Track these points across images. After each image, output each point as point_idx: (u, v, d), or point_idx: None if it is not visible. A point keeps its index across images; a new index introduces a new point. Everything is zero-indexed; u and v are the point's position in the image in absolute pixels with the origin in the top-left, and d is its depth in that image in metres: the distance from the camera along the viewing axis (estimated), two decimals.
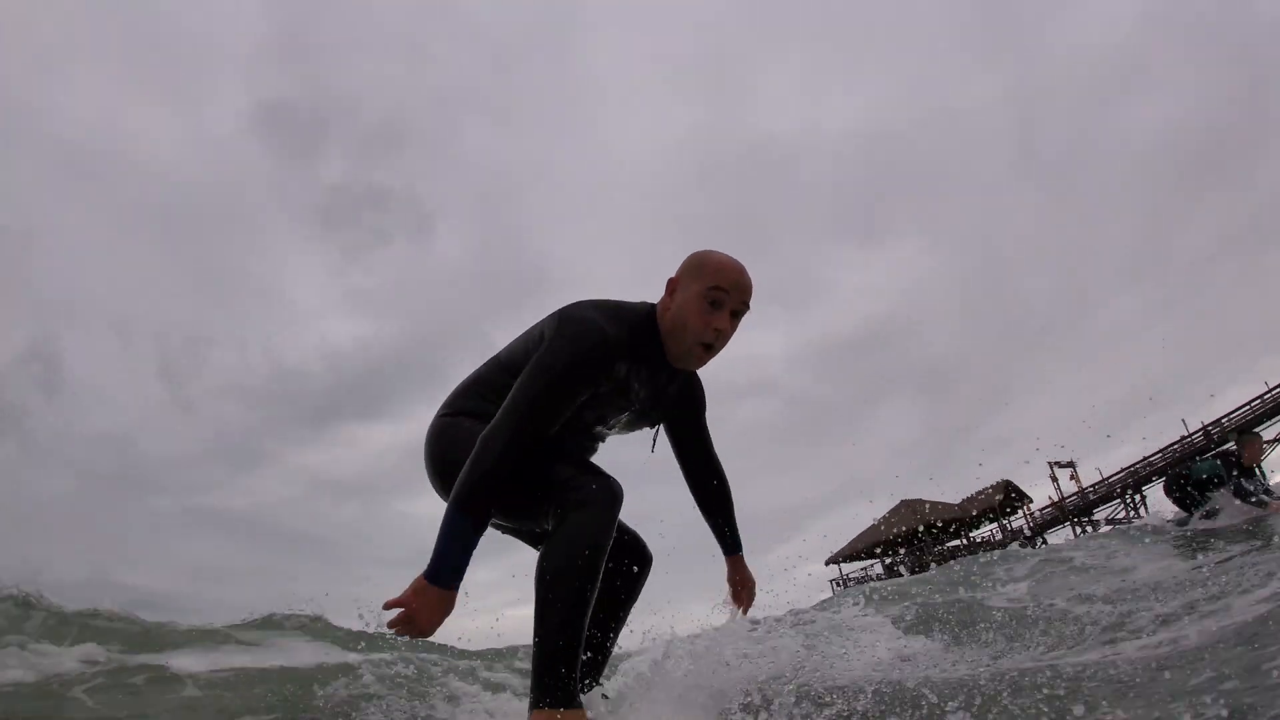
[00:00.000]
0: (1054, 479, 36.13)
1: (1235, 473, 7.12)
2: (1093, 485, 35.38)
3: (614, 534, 1.80)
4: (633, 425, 2.24)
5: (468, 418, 2.03)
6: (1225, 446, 7.48)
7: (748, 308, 2.02)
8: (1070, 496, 35.67)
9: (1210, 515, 6.98)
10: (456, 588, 1.77)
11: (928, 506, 38.06)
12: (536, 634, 1.69)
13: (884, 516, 39.06)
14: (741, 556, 2.48)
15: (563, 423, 1.91)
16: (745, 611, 2.47)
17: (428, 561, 1.75)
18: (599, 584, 1.75)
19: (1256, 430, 11.23)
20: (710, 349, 2.00)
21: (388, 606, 1.74)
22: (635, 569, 2.20)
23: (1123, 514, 33.26)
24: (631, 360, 1.98)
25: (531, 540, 2.22)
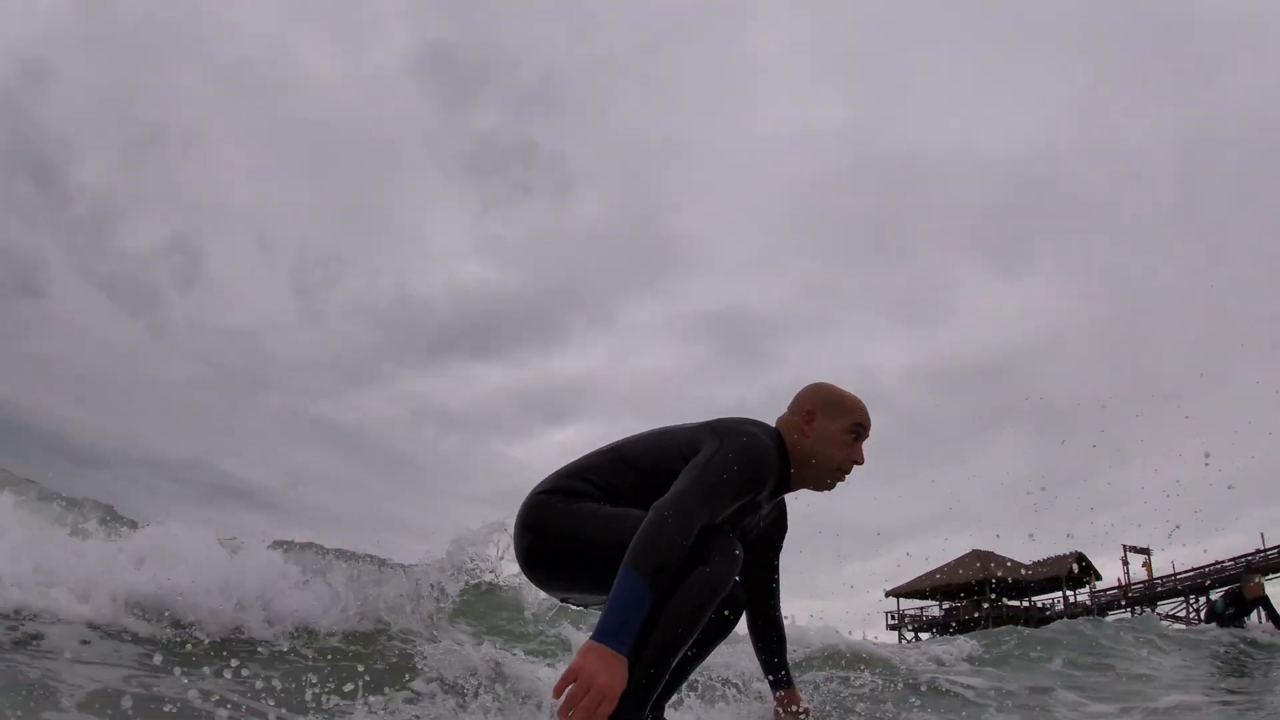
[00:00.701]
0: (1125, 562, 36.93)
1: (1232, 607, 8.93)
2: (1161, 578, 35.95)
3: (729, 588, 1.87)
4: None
5: (563, 496, 2.07)
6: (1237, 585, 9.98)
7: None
8: (1136, 584, 36.37)
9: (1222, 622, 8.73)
10: (628, 655, 1.69)
11: (994, 562, 39.65)
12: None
13: (952, 562, 40.98)
14: (795, 690, 2.52)
15: None
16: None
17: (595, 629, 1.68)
18: (700, 628, 1.83)
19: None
20: (844, 476, 2.18)
21: (561, 686, 1.64)
22: (728, 613, 2.19)
23: (1184, 612, 33.81)
24: (773, 481, 2.09)
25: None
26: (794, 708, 2.49)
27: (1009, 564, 39.69)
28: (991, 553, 40.28)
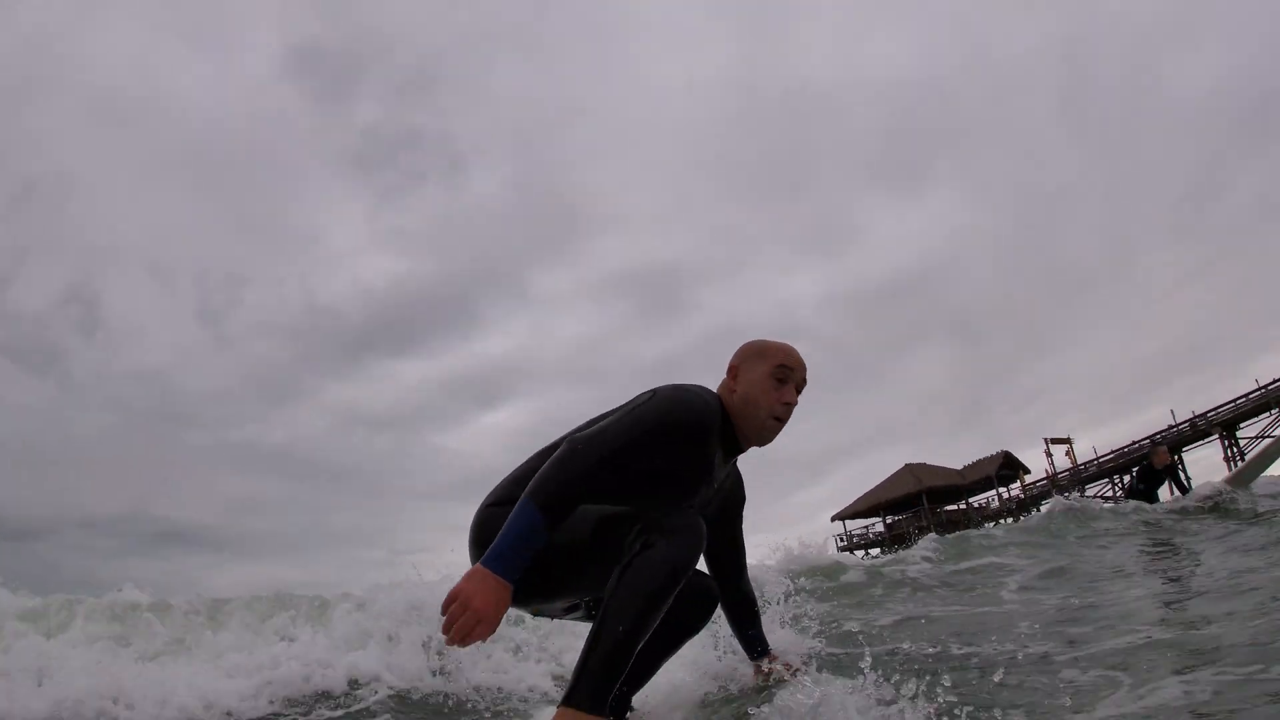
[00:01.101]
0: (1048, 454, 38.01)
1: (1142, 480, 9.92)
2: (1084, 463, 37.22)
3: (693, 568, 1.81)
4: None
5: (513, 505, 1.91)
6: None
7: (805, 383, 2.15)
8: (1062, 473, 37.57)
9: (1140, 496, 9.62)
10: (514, 583, 1.73)
11: (927, 473, 40.53)
12: (591, 637, 1.69)
13: (888, 479, 41.79)
14: (773, 654, 2.47)
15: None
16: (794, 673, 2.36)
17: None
18: (664, 611, 1.74)
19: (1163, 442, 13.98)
20: (780, 421, 2.10)
21: (445, 605, 1.70)
22: (703, 606, 2.18)
23: (1109, 492, 35.06)
24: (716, 446, 2.03)
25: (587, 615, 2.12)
26: (774, 667, 2.40)
27: (941, 471, 40.70)
28: (924, 464, 41.22)
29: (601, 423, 1.92)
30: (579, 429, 2.05)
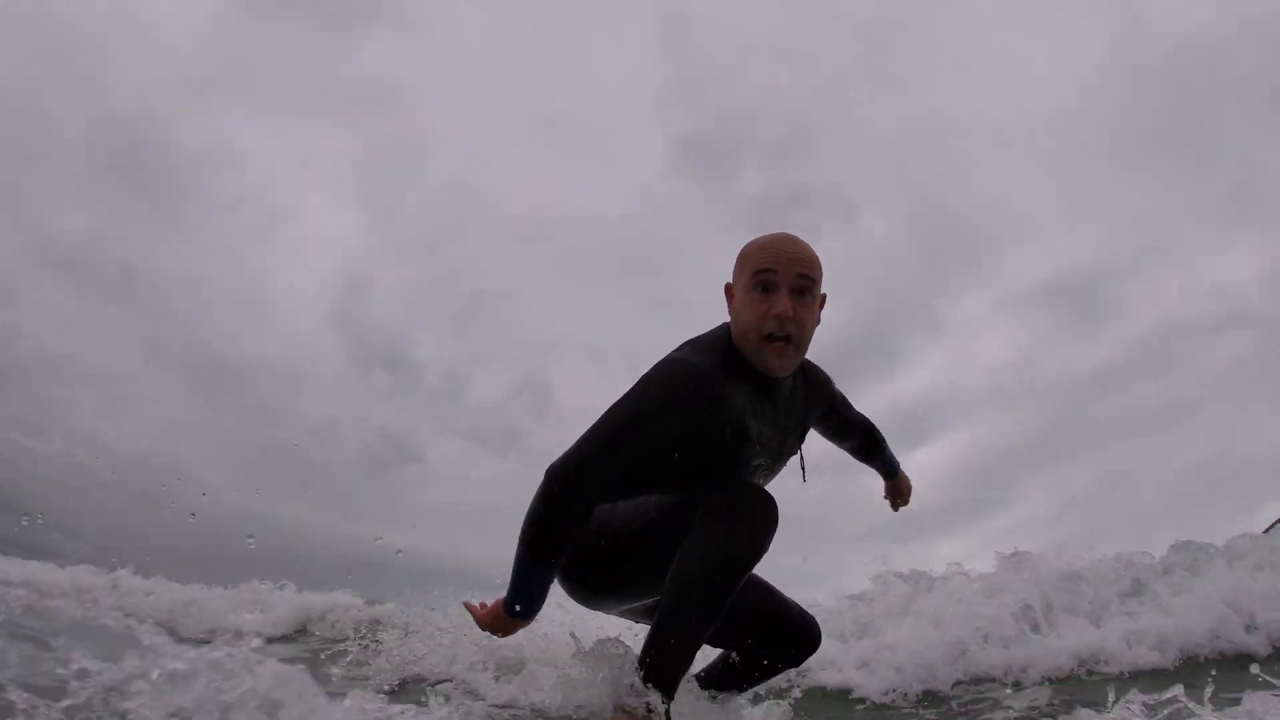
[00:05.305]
0: None
1: None
2: None
3: (763, 552, 1.66)
4: (776, 467, 1.98)
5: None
6: None
7: (811, 279, 1.74)
8: None
9: None
10: (528, 619, 1.77)
11: None
12: (655, 622, 1.62)
13: (1272, 524, 40.40)
14: (901, 472, 2.45)
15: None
16: (900, 507, 2.44)
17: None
18: (730, 600, 1.61)
19: None
20: (784, 339, 1.72)
21: (469, 610, 1.98)
22: (793, 653, 2.05)
23: None
24: (737, 390, 1.75)
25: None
26: (897, 488, 2.51)
27: None
28: None
29: (581, 437, 1.75)
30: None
